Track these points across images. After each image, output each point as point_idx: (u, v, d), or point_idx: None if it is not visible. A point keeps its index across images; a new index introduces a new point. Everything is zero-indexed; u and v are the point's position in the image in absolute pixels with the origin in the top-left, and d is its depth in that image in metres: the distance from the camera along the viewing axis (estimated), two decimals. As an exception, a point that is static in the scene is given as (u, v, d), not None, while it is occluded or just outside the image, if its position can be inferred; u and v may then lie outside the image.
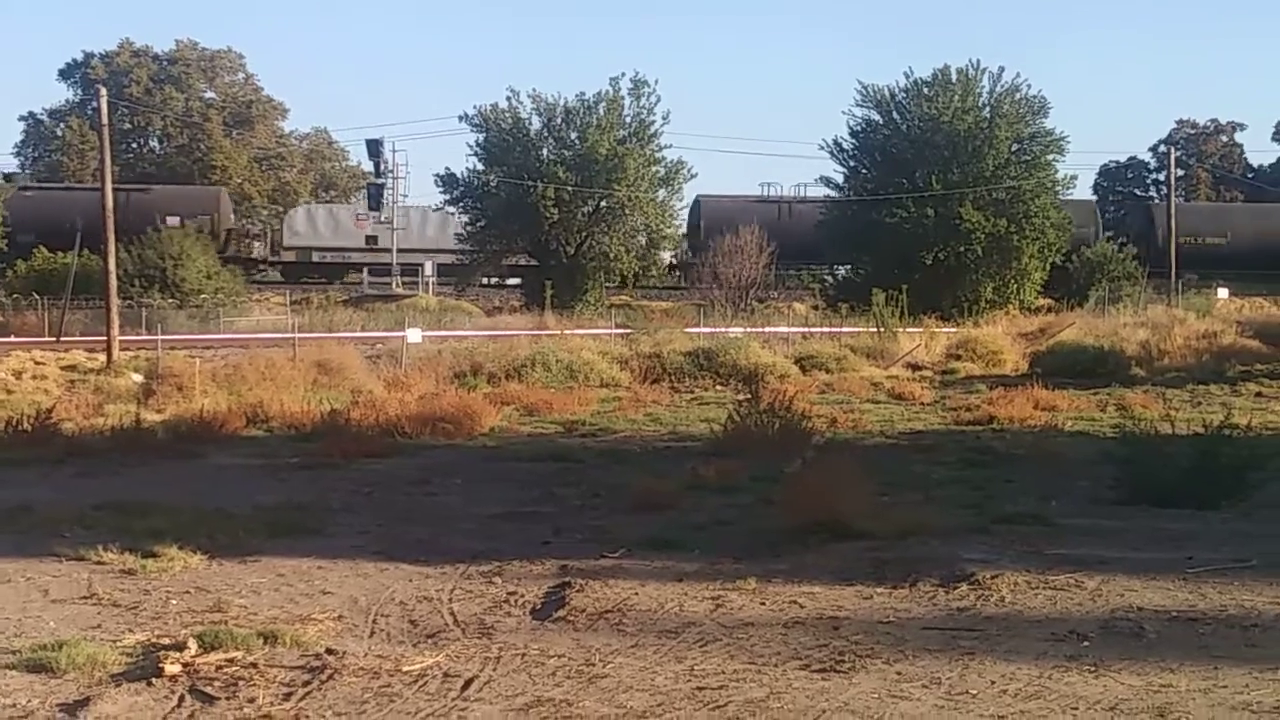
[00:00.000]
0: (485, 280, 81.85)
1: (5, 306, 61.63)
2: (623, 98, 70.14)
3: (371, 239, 78.20)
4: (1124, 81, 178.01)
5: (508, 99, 71.12)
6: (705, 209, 78.99)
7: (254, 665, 8.53)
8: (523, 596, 10.61)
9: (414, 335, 39.55)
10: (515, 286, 78.43)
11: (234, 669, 8.45)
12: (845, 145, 70.70)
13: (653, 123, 70.39)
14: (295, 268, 79.61)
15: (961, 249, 65.32)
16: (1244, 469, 14.87)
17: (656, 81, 70.57)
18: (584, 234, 70.17)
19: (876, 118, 69.75)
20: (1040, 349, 39.57)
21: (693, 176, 73.48)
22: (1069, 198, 72.34)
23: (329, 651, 8.87)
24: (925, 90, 68.15)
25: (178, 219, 71.07)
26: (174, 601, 10.43)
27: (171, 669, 8.32)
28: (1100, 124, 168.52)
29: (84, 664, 8.44)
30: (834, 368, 36.46)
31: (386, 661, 8.66)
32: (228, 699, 7.90)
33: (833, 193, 72.45)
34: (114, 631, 9.47)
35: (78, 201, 68.28)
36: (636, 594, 10.60)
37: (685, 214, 75.64)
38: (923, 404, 28.49)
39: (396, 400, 26.11)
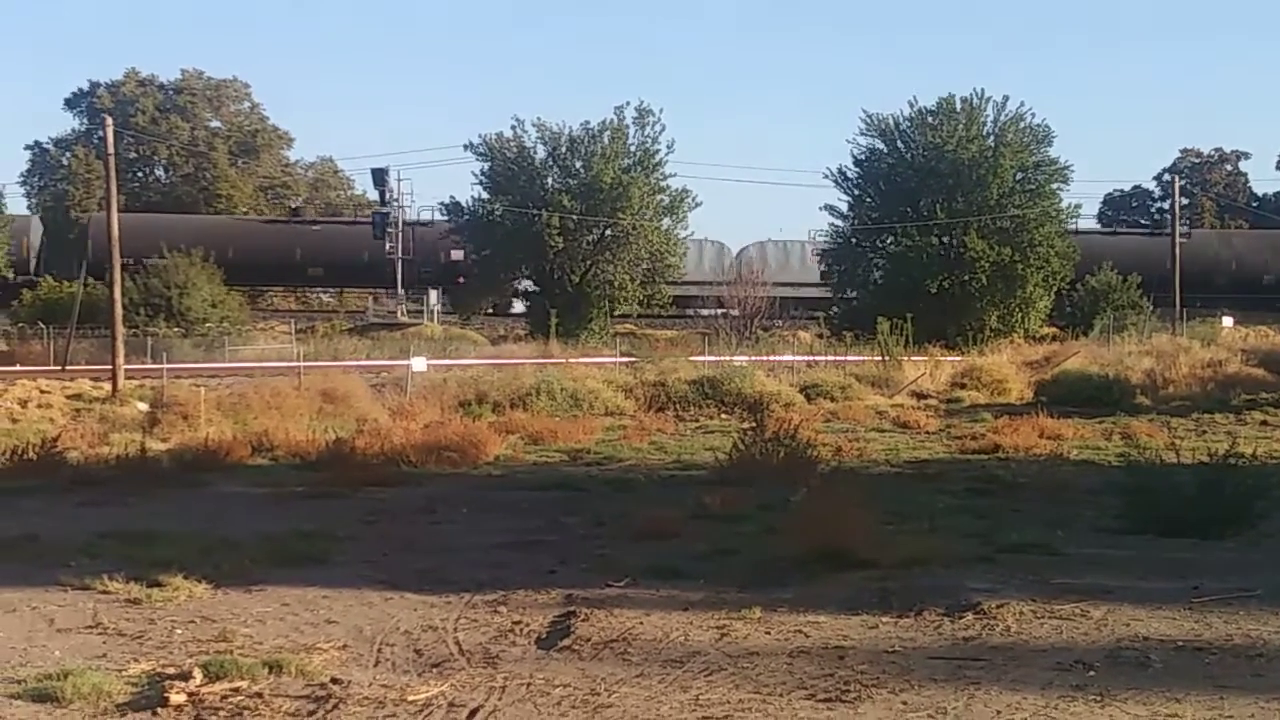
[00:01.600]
0: (490, 309, 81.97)
1: (11, 336, 61.76)
2: (627, 126, 70.37)
3: (824, 274, 76.74)
4: (1128, 110, 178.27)
5: (513, 128, 71.41)
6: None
7: (259, 695, 8.52)
8: (528, 626, 10.59)
9: (419, 364, 39.60)
10: (520, 315, 78.46)
11: (239, 698, 8.44)
12: (850, 174, 70.86)
13: (657, 151, 70.58)
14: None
15: (966, 277, 65.41)
16: (1249, 498, 14.85)
17: (661, 110, 70.72)
18: (589, 262, 70.23)
19: (881, 146, 69.94)
20: (1045, 377, 39.59)
21: (697, 205, 73.60)
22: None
23: (334, 681, 8.86)
24: (929, 119, 68.36)
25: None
26: (179, 631, 10.42)
27: (177, 699, 8.32)
28: (1104, 153, 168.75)
29: (89, 694, 8.43)
30: (839, 396, 36.47)
31: (392, 691, 8.65)
32: (233, 729, 7.89)
33: (837, 221, 72.57)
34: (119, 661, 9.46)
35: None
36: (642, 623, 10.58)
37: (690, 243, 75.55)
38: (928, 433, 28.51)
39: (401, 429, 26.13)
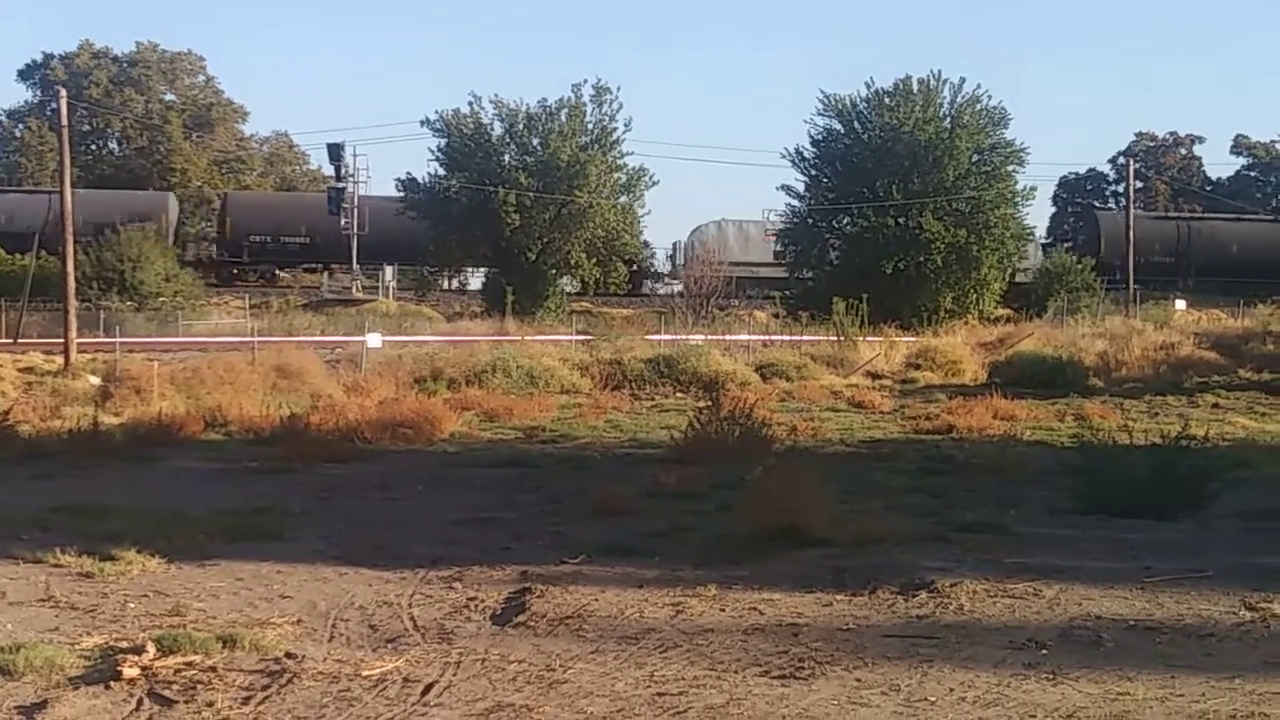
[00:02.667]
0: (445, 285, 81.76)
1: (-39, 308, 61.34)
2: (585, 104, 70.26)
3: (780, 254, 76.54)
4: (1084, 93, 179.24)
5: (470, 104, 71.19)
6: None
7: (213, 669, 8.50)
8: (483, 602, 10.59)
9: (374, 340, 39.45)
10: (476, 292, 78.29)
11: (193, 673, 8.42)
12: (806, 154, 70.96)
13: (615, 129, 70.52)
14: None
15: (921, 258, 65.61)
16: (1201, 480, 14.96)
17: (619, 89, 70.82)
18: (545, 240, 70.14)
19: (838, 127, 70.01)
20: (999, 359, 39.75)
21: (655, 184, 73.57)
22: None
23: (288, 655, 8.85)
24: (886, 100, 68.45)
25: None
26: (132, 605, 10.38)
27: (130, 672, 8.28)
28: (1060, 135, 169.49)
29: (42, 667, 8.40)
30: (794, 376, 36.52)
31: (346, 666, 8.64)
32: (186, 702, 7.86)
33: (794, 201, 72.66)
34: (72, 634, 9.41)
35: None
36: (597, 600, 10.60)
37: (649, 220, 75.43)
38: (882, 413, 28.58)
39: (356, 405, 26.03)
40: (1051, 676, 8.45)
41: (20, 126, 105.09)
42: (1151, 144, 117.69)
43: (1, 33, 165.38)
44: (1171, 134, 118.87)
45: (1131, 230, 68.82)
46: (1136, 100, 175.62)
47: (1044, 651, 9.05)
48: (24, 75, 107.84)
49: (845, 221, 66.11)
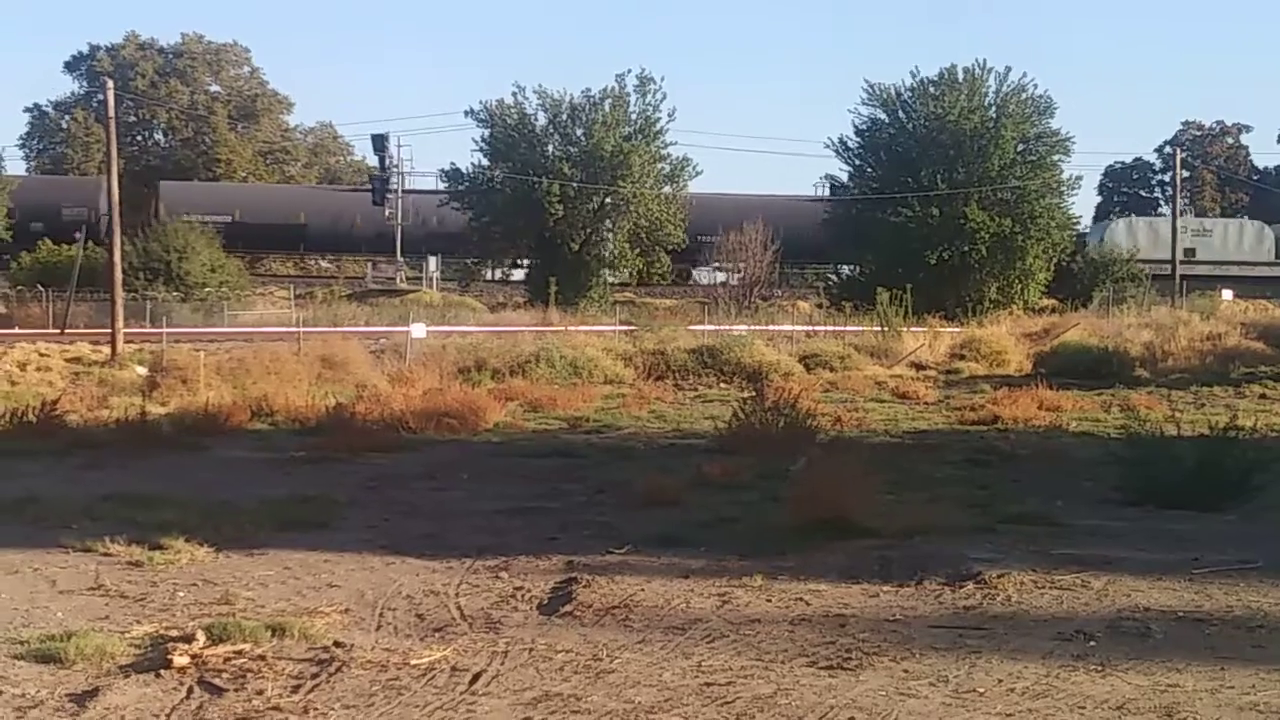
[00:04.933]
0: (489, 276, 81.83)
1: (10, 298, 61.73)
2: (628, 94, 70.18)
3: (1190, 250, 76.04)
4: (1130, 82, 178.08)
5: (514, 95, 71.19)
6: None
7: (262, 657, 8.54)
8: (529, 592, 10.61)
9: (418, 330, 39.52)
10: (519, 283, 78.39)
11: (242, 661, 8.46)
12: (850, 144, 70.79)
13: (658, 120, 70.41)
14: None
15: (966, 248, 65.39)
16: (1249, 471, 14.87)
17: (662, 79, 70.60)
18: (589, 230, 70.13)
19: (882, 116, 69.84)
20: (1044, 349, 39.59)
21: (698, 174, 73.51)
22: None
23: (337, 644, 8.89)
24: (931, 89, 68.24)
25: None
26: (181, 593, 10.45)
27: (180, 660, 8.33)
28: (1106, 124, 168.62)
29: (92, 655, 8.46)
30: (838, 366, 36.49)
31: (394, 655, 8.67)
32: (236, 691, 7.90)
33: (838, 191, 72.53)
34: (122, 623, 9.47)
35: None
36: (643, 590, 10.61)
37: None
38: (927, 403, 28.50)
39: (401, 395, 26.09)
40: (1100, 668, 8.42)
41: (67, 118, 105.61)
42: (1198, 133, 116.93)
43: (48, 25, 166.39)
44: (1218, 123, 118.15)
45: (1178, 221, 68.43)
46: (1183, 89, 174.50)
47: (1092, 643, 9.02)
48: (70, 67, 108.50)
49: (889, 211, 65.88)
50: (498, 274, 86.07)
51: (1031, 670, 8.36)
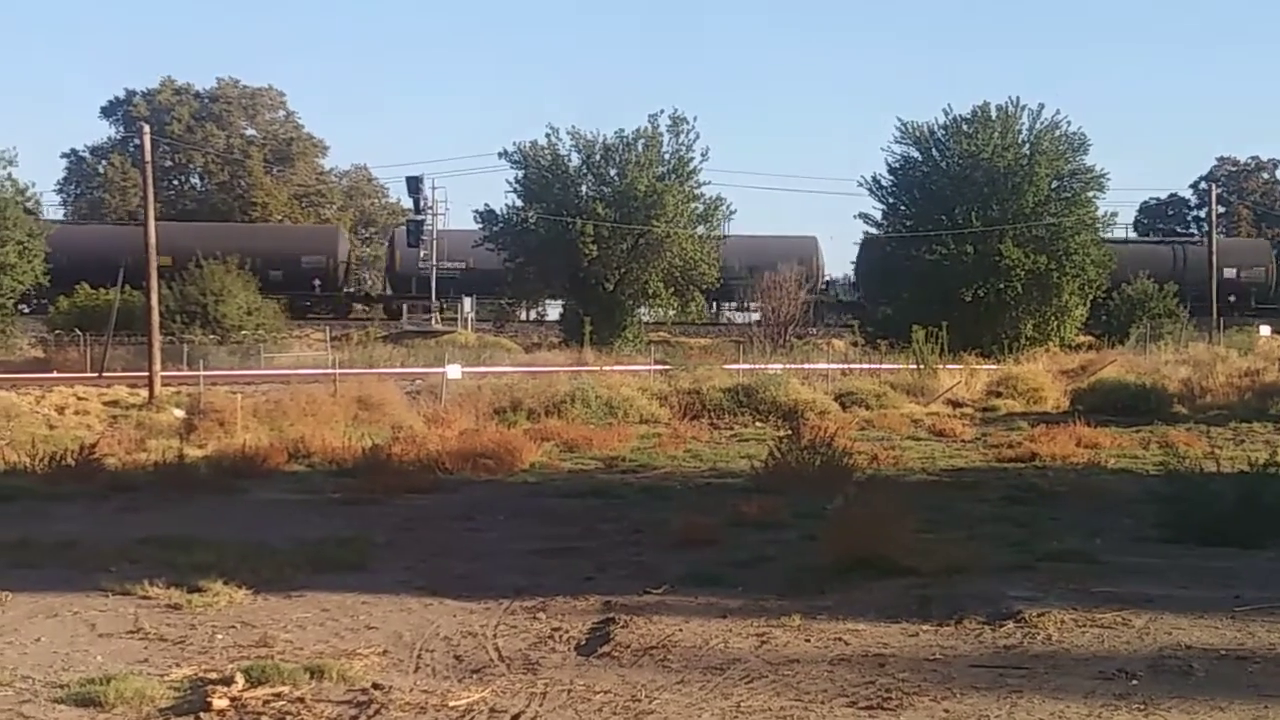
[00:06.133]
0: (523, 316, 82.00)
1: (48, 342, 62.07)
2: (661, 134, 70.38)
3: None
4: (1165, 118, 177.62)
5: (547, 136, 71.46)
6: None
7: (301, 700, 8.54)
8: (567, 632, 10.60)
9: (454, 371, 39.59)
10: (554, 323, 78.52)
11: (281, 703, 8.46)
12: (884, 182, 70.75)
13: (691, 159, 70.59)
14: None
15: (1001, 285, 65.22)
16: (1290, 507, 14.75)
17: (695, 119, 70.78)
18: (623, 270, 70.24)
19: (916, 154, 69.80)
20: (1081, 386, 39.42)
21: (732, 214, 73.58)
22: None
23: (375, 686, 8.88)
24: (965, 127, 68.16)
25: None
26: (220, 636, 10.46)
27: (219, 703, 8.34)
28: (1141, 161, 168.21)
29: (132, 698, 8.47)
30: (874, 404, 36.40)
31: (433, 697, 8.66)
32: (275, 733, 7.91)
33: (871, 229, 72.49)
34: (161, 666, 9.49)
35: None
36: (681, 630, 10.58)
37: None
38: (964, 441, 28.41)
39: (437, 436, 26.15)
40: (1143, 707, 8.35)
41: (103, 163, 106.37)
42: (1233, 168, 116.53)
43: (85, 70, 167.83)
44: (1254, 158, 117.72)
45: (1214, 256, 68.20)
46: (1218, 125, 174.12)
47: (1134, 682, 8.96)
48: (107, 112, 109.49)
49: (924, 249, 65.80)
50: (532, 314, 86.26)
51: (1074, 710, 8.30)
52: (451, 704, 8.49)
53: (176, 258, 69.62)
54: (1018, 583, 12.16)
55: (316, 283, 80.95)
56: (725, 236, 72.57)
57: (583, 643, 10.30)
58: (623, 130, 70.57)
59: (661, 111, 71.19)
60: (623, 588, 12.33)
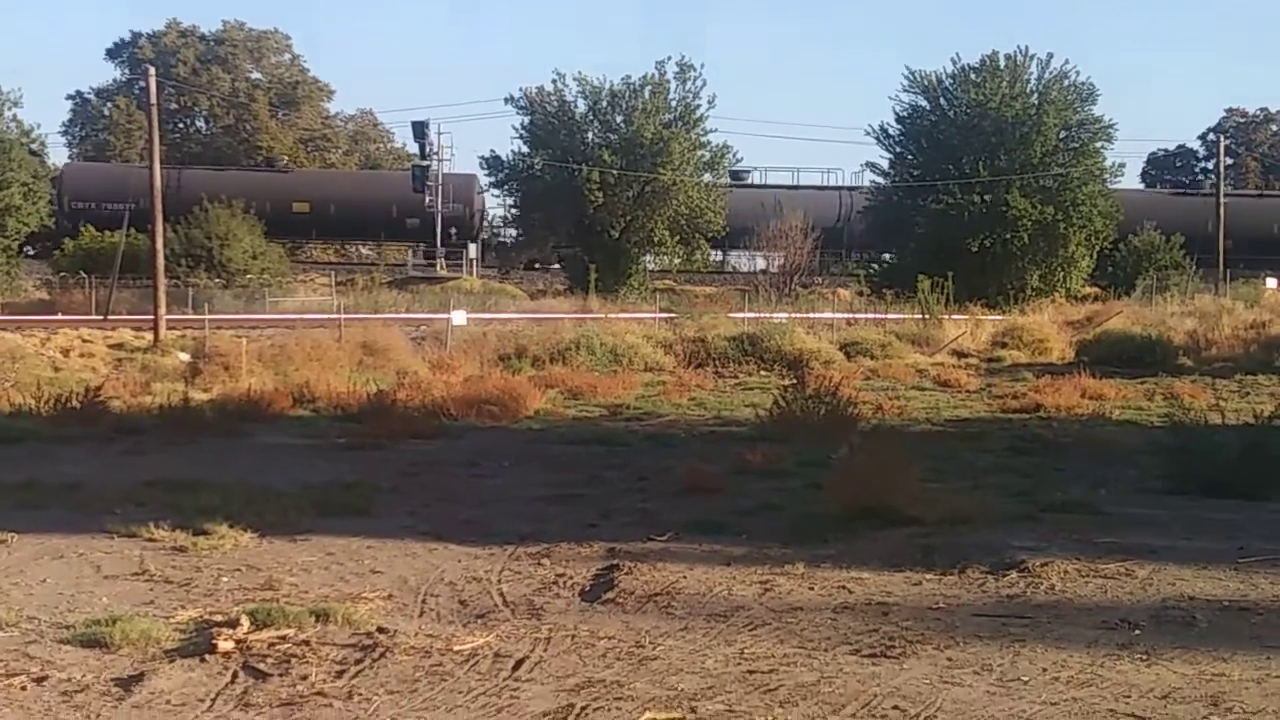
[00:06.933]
0: (529, 263, 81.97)
1: (53, 284, 62.11)
2: (668, 82, 70.23)
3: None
4: (1173, 69, 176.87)
5: (554, 82, 71.37)
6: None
7: (306, 643, 8.56)
8: (571, 578, 10.61)
9: (459, 318, 39.64)
10: (559, 269, 78.48)
11: (286, 646, 8.48)
12: (892, 131, 70.57)
13: (698, 107, 70.45)
14: None
15: (1008, 236, 65.11)
16: (1294, 460, 14.75)
17: (702, 66, 70.95)
18: (628, 217, 70.13)
19: (924, 104, 69.59)
20: (1087, 337, 39.44)
21: (738, 161, 73.41)
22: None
23: (380, 630, 8.90)
24: (973, 76, 67.95)
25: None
26: (225, 579, 10.48)
27: (224, 646, 8.36)
28: (1149, 111, 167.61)
29: (137, 639, 8.49)
30: (879, 354, 36.42)
31: (437, 641, 8.68)
32: (280, 676, 7.92)
33: (879, 178, 72.32)
34: (166, 608, 9.51)
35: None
36: (685, 577, 10.59)
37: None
38: (968, 391, 28.43)
39: (442, 382, 26.19)
40: (1146, 657, 8.36)
41: (109, 105, 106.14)
42: (1242, 120, 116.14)
43: (90, 12, 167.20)
44: (1263, 110, 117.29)
45: (1222, 208, 68.06)
46: (1227, 76, 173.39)
47: (1137, 632, 8.97)
48: (112, 54, 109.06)
49: (931, 199, 65.65)
50: (538, 261, 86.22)
51: (1076, 659, 8.31)
52: (456, 648, 8.50)
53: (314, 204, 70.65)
54: (1021, 533, 12.17)
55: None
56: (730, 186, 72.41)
57: (587, 589, 10.32)
58: (629, 77, 70.52)
59: (668, 58, 71.06)
60: (627, 535, 12.34)
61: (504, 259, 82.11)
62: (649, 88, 69.82)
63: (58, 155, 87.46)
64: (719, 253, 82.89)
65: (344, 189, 79.34)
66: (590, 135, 70.49)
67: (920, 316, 42.69)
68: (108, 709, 7.39)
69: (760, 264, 74.48)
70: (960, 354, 37.92)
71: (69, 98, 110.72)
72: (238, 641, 8.47)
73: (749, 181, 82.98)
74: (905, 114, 70.14)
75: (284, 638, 8.63)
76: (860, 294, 62.03)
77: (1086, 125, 68.30)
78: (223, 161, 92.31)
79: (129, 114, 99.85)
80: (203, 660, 8.20)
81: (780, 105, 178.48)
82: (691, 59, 71.44)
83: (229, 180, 78.78)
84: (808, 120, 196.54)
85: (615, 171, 67.99)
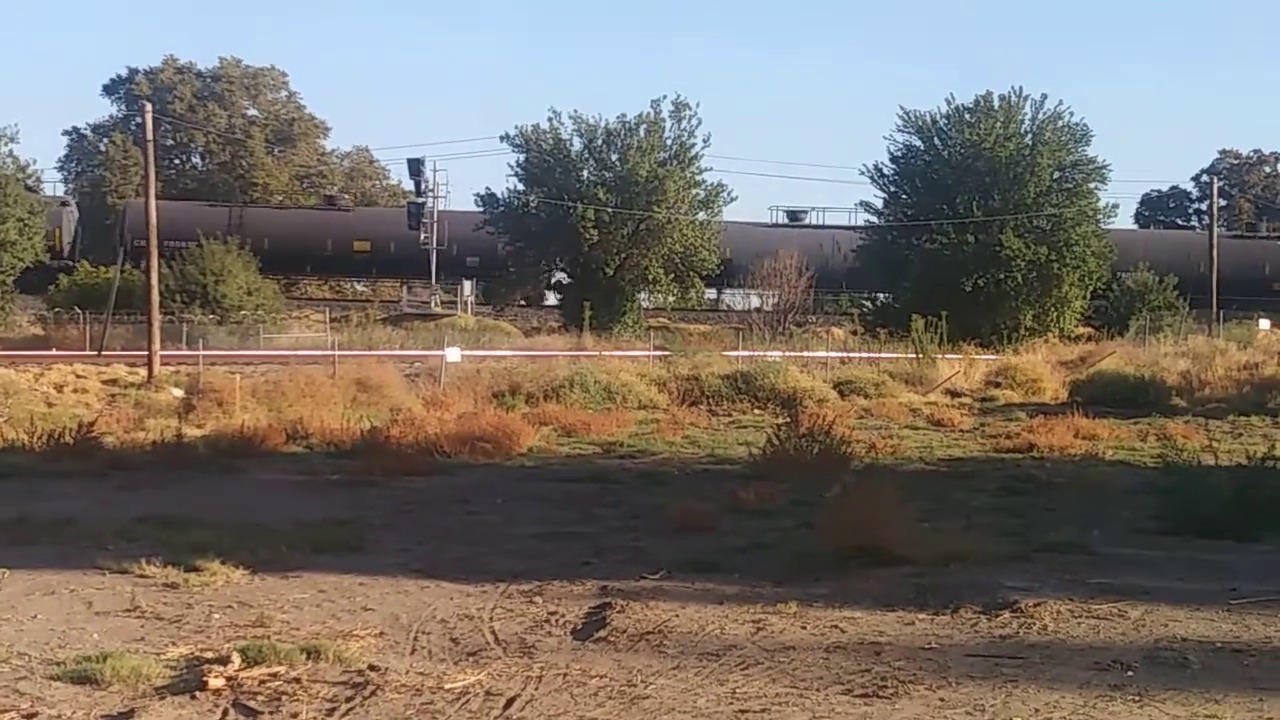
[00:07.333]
0: (523, 300, 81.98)
1: (47, 320, 62.06)
2: (664, 120, 70.26)
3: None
4: (1167, 111, 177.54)
5: (549, 120, 71.33)
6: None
7: (297, 680, 8.55)
8: (563, 616, 10.61)
9: (453, 354, 39.59)
10: (553, 307, 78.47)
11: (277, 684, 8.47)
12: (885, 170, 70.67)
13: (693, 145, 70.50)
14: None
15: (1001, 276, 65.12)
16: (1287, 501, 14.76)
17: (698, 104, 70.77)
18: (623, 255, 70.20)
19: (918, 143, 69.62)
20: (1080, 377, 39.41)
21: (733, 200, 73.51)
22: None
23: (371, 668, 8.89)
24: (967, 116, 68.01)
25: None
26: (217, 615, 10.47)
27: (215, 683, 8.35)
28: (1143, 153, 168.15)
29: (128, 676, 8.48)
30: (873, 393, 36.37)
31: (428, 679, 8.67)
32: (271, 713, 7.92)
33: (872, 218, 72.42)
34: (157, 644, 9.50)
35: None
36: (677, 616, 10.59)
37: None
38: (962, 431, 28.43)
39: (435, 419, 26.14)
40: (1138, 698, 8.36)
41: (105, 141, 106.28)
42: (1235, 161, 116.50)
43: (87, 48, 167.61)
44: (1255, 152, 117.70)
45: (1215, 249, 68.20)
46: (1220, 118, 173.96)
47: (1130, 673, 8.97)
48: (109, 90, 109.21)
49: (924, 238, 65.73)
50: (532, 299, 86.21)
51: (1069, 700, 8.31)
52: (447, 686, 8.50)
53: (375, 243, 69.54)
54: (1014, 573, 12.18)
55: None
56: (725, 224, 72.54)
57: (579, 627, 10.31)
58: (625, 115, 70.54)
59: (664, 97, 71.15)
60: (619, 573, 12.34)
61: (497, 296, 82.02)
62: (644, 126, 69.89)
63: (53, 191, 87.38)
64: (714, 290, 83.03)
65: (401, 228, 79.02)
66: (585, 173, 70.51)
67: (914, 356, 42.68)
68: (98, 746, 7.38)
69: (754, 302, 74.47)
70: (954, 393, 37.88)
71: (65, 133, 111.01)
72: (229, 679, 8.46)
73: (806, 222, 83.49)
74: (899, 153, 70.27)
75: (275, 675, 8.62)
76: (854, 333, 62.01)
77: (1080, 166, 68.37)
78: (215, 198, 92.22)
79: (125, 150, 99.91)
80: (193, 697, 8.19)
81: (774, 144, 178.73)
82: (687, 98, 71.39)
83: (289, 219, 79.09)
84: (802, 159, 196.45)
85: (610, 209, 68.04)
